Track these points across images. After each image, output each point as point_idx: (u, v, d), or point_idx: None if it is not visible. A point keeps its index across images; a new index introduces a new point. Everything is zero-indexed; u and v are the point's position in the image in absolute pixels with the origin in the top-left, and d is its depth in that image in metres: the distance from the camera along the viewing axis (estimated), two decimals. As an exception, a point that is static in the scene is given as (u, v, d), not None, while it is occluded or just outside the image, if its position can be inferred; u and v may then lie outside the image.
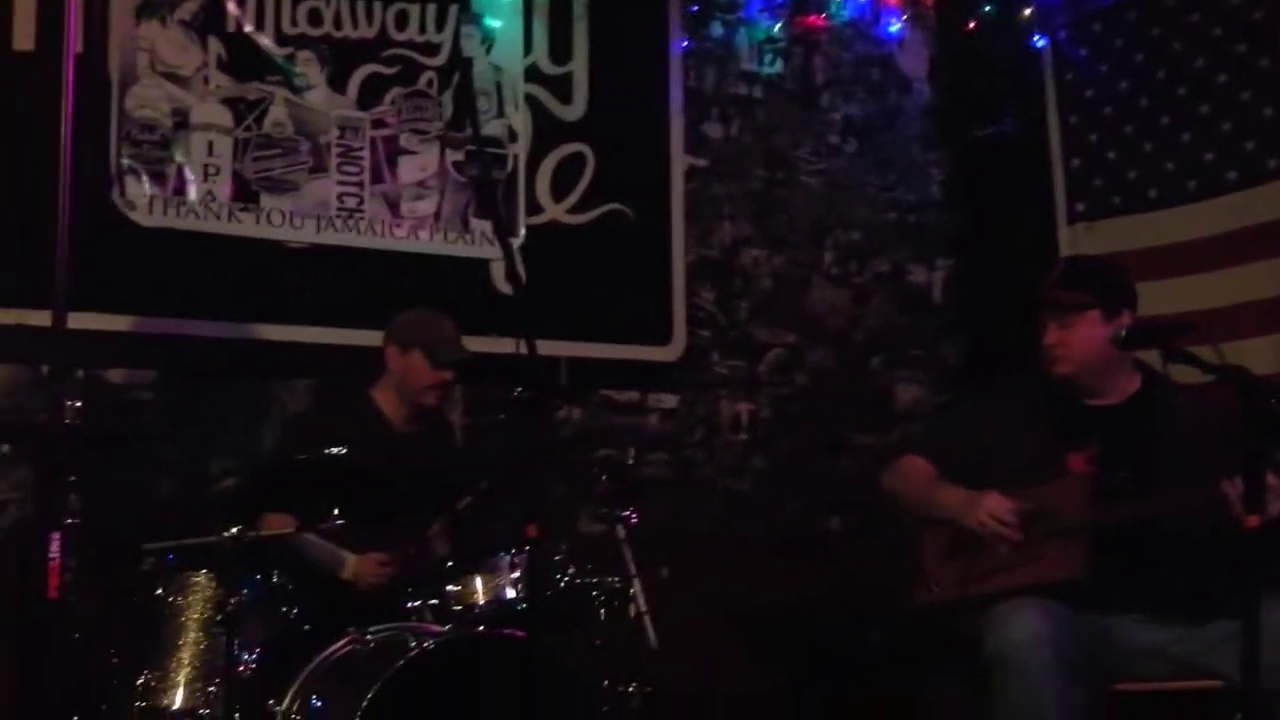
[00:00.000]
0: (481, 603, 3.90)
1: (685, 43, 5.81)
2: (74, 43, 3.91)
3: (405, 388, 4.43)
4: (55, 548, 2.90)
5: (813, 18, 6.07)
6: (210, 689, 3.61)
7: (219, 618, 3.62)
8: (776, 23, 6.01)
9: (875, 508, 5.13)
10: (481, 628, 3.75)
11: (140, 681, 3.62)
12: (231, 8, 4.95)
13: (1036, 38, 5.91)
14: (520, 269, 3.50)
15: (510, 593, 3.91)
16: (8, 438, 4.37)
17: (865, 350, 6.09)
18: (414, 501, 4.07)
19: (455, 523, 4.34)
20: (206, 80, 4.91)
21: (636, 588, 3.84)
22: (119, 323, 4.59)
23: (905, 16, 6.23)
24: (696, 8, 5.84)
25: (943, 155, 6.31)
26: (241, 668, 3.60)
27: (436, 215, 5.26)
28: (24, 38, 4.64)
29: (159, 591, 3.73)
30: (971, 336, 6.17)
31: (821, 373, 5.97)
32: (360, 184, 5.14)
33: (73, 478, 3.11)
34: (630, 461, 5.18)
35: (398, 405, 4.46)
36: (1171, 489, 3.53)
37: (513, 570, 3.91)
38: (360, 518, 3.80)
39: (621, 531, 3.90)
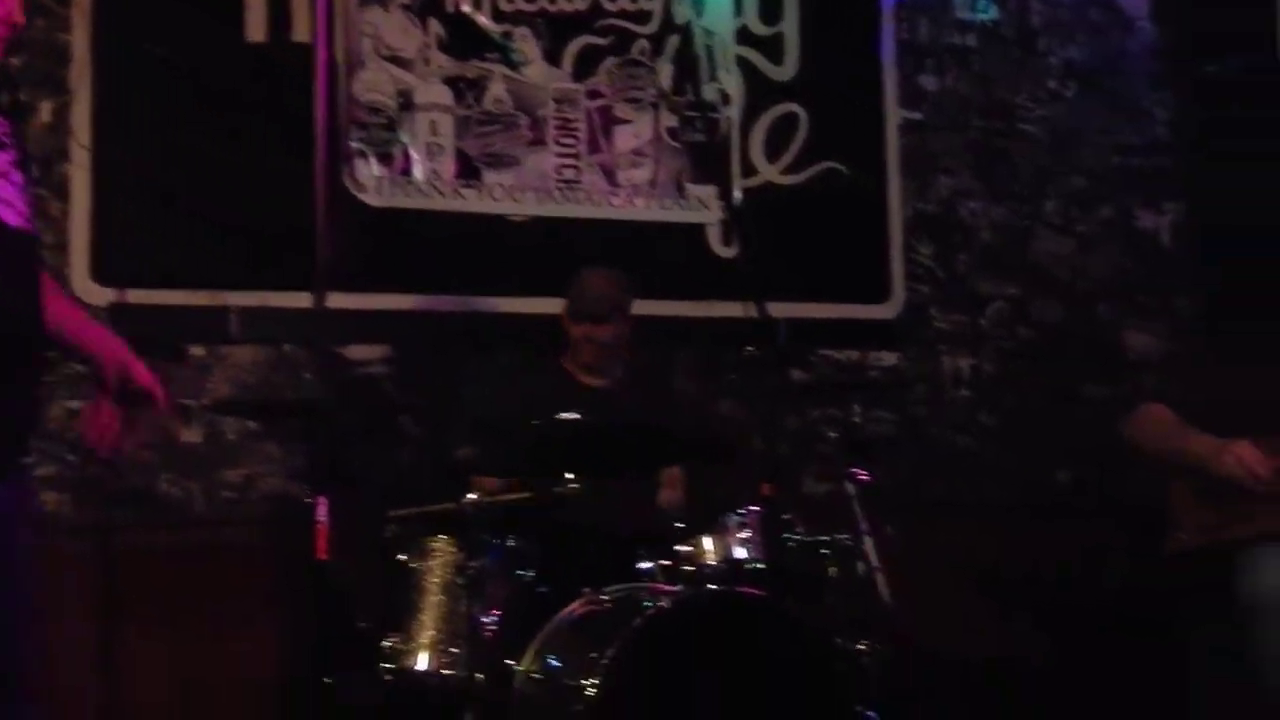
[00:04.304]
0: (712, 563, 3.91)
1: (897, -5, 5.72)
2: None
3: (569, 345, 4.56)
4: (323, 511, 3.04)
5: (1028, -40, 5.91)
6: (453, 650, 3.72)
7: (460, 581, 3.75)
8: (990, -32, 5.87)
9: (1110, 460, 5.01)
10: (717, 586, 3.77)
11: (388, 644, 3.76)
12: (450, -11, 5.06)
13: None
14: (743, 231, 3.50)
15: (741, 552, 3.90)
16: (260, 415, 4.58)
17: (1092, 300, 5.91)
18: (633, 457, 4.10)
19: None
20: (428, 61, 5.03)
21: (868, 544, 3.82)
22: (354, 301, 4.72)
23: (1123, -48, 6.01)
24: (908, -41, 5.73)
25: (1169, 96, 6.07)
26: (482, 629, 3.71)
27: (652, 182, 5.30)
28: (255, 29, 4.82)
29: (402, 557, 3.87)
30: (1205, 283, 5.93)
31: (1047, 325, 5.82)
32: (577, 155, 5.22)
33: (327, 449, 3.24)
34: (857, 419, 5.14)
35: (576, 365, 4.58)
36: None
37: (741, 530, 3.91)
38: (592, 477, 3.87)
39: (851, 488, 3.88)
